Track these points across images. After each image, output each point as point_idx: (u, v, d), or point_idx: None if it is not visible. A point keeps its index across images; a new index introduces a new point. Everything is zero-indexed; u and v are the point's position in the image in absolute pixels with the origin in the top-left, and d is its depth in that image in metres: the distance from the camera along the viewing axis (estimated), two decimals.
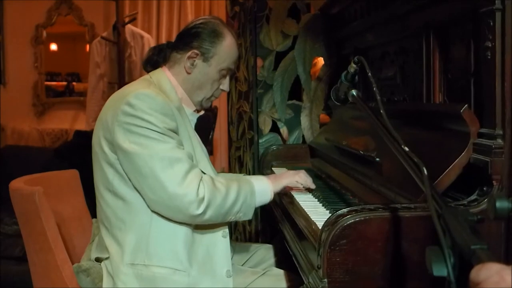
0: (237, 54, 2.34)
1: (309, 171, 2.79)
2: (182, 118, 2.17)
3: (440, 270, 0.93)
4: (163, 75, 2.26)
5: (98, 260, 2.17)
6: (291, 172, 2.39)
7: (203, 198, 1.97)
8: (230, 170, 3.92)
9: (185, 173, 1.97)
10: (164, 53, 2.33)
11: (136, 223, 2.07)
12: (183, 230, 2.07)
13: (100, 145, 2.10)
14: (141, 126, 1.99)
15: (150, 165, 1.97)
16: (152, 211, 2.05)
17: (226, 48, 2.26)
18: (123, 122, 2.01)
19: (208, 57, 2.24)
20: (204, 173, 2.16)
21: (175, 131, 2.07)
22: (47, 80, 7.83)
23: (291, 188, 2.39)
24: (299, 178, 2.34)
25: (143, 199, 2.04)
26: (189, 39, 2.25)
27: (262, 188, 2.17)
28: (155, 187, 1.97)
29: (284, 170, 2.69)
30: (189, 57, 2.23)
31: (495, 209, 0.98)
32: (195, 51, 2.23)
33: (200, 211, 1.97)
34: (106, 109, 2.13)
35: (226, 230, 2.19)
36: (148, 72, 2.33)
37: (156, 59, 2.34)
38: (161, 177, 1.96)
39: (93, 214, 2.45)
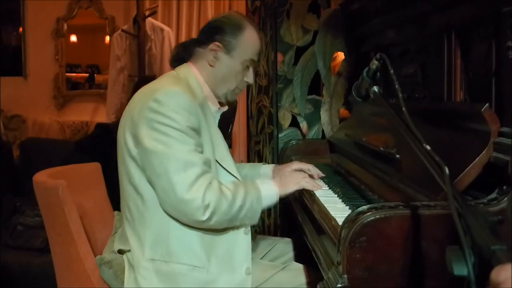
0: (259, 45, 2.34)
1: (329, 166, 2.80)
2: (205, 117, 2.17)
3: (461, 269, 0.95)
4: (190, 72, 2.27)
5: (121, 252, 2.19)
6: (297, 176, 2.35)
7: (208, 205, 1.98)
8: None
9: (195, 178, 1.97)
10: (189, 49, 2.33)
11: (155, 219, 2.09)
12: (201, 227, 2.08)
13: (124, 138, 2.11)
14: (164, 124, 2.00)
15: (165, 164, 1.97)
16: None
17: (248, 39, 2.27)
18: (148, 118, 2.02)
19: (230, 49, 2.24)
20: (228, 171, 2.20)
21: (198, 131, 2.08)
22: (66, 72, 7.89)
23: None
24: (306, 184, 2.29)
25: None
26: (211, 32, 2.27)
27: (269, 193, 2.17)
28: (165, 187, 1.98)
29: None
30: (211, 50, 2.24)
31: None
32: (217, 43, 2.24)
33: (205, 217, 1.98)
34: (134, 103, 2.14)
35: (248, 227, 2.19)
36: (174, 67, 2.34)
37: (182, 55, 2.35)
38: (173, 179, 1.96)
39: (115, 207, 2.48)
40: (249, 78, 2.34)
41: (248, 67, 2.31)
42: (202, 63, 2.28)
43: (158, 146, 1.99)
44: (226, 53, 2.25)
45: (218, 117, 2.35)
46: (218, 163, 2.19)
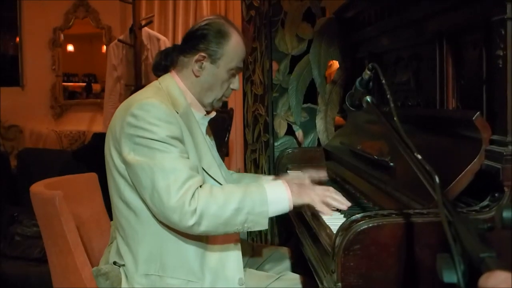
0: (244, 51, 2.31)
1: None
2: (189, 125, 2.15)
3: (450, 277, 0.96)
4: (172, 80, 2.25)
5: (116, 263, 2.20)
6: (319, 189, 2.14)
7: (195, 210, 1.92)
8: (246, 172, 3.92)
9: (181, 183, 1.94)
10: (171, 57, 2.30)
11: (148, 234, 2.08)
12: (194, 240, 2.07)
13: (110, 155, 2.12)
14: (144, 137, 1.99)
15: (151, 176, 1.95)
16: (161, 222, 2.04)
17: (233, 47, 2.23)
18: (128, 134, 2.02)
19: (216, 59, 2.20)
20: (215, 179, 2.17)
21: (180, 139, 2.05)
22: (63, 81, 7.90)
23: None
24: (332, 200, 2.09)
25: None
26: (195, 41, 2.22)
27: (276, 197, 2.04)
28: (154, 198, 1.96)
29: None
30: (196, 60, 2.20)
31: (502, 219, 1.00)
32: (202, 53, 2.20)
33: (191, 222, 1.92)
34: (115, 119, 2.14)
35: (238, 237, 2.18)
36: (159, 76, 2.32)
37: (164, 63, 2.32)
38: (159, 188, 1.93)
39: (112, 217, 2.48)
40: (235, 85, 2.31)
41: (234, 75, 2.28)
42: (187, 72, 2.24)
43: (142, 160, 1.98)
44: (212, 62, 2.21)
45: (206, 123, 2.32)
46: (205, 171, 2.17)
